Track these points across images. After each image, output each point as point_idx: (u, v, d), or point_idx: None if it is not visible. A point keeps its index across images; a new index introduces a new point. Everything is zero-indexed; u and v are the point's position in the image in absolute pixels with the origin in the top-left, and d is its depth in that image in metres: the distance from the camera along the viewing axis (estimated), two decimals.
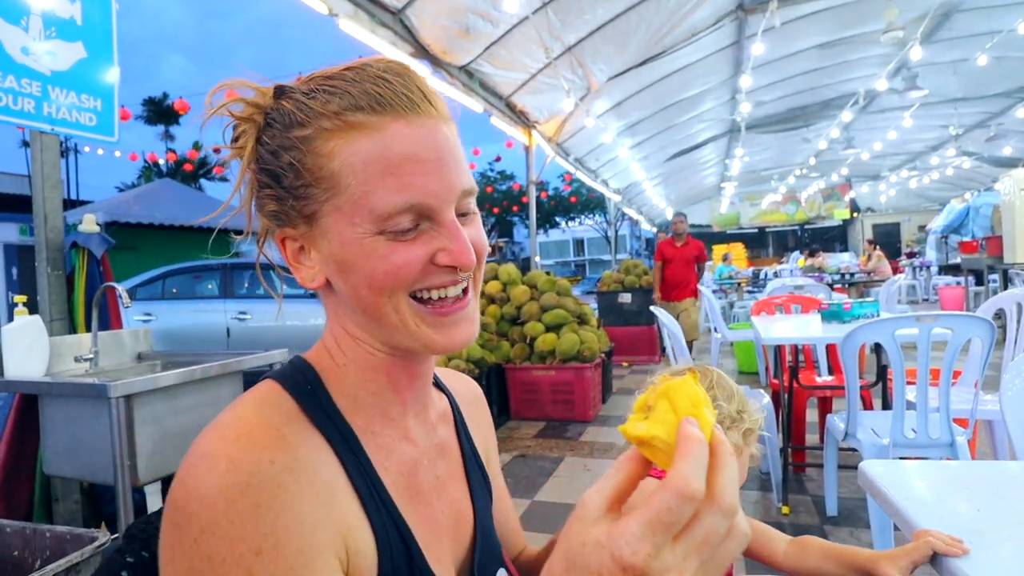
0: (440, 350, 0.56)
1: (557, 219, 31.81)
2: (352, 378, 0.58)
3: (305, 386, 0.55)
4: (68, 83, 2.37)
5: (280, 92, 0.56)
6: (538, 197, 8.35)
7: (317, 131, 0.52)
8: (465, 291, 0.57)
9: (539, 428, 4.40)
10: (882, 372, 2.77)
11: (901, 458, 2.10)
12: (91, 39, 2.46)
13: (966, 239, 9.66)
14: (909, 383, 2.22)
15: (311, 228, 0.55)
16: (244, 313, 5.91)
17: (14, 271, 10.41)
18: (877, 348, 2.93)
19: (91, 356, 2.21)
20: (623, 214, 16.78)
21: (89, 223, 2.41)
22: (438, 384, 0.72)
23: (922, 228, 17.08)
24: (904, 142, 13.91)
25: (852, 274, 8.63)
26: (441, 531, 0.60)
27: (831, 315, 2.82)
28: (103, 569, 0.53)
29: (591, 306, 5.76)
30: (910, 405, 2.21)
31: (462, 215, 0.56)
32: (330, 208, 0.53)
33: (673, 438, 0.37)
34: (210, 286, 6.39)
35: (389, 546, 0.52)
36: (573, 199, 28.75)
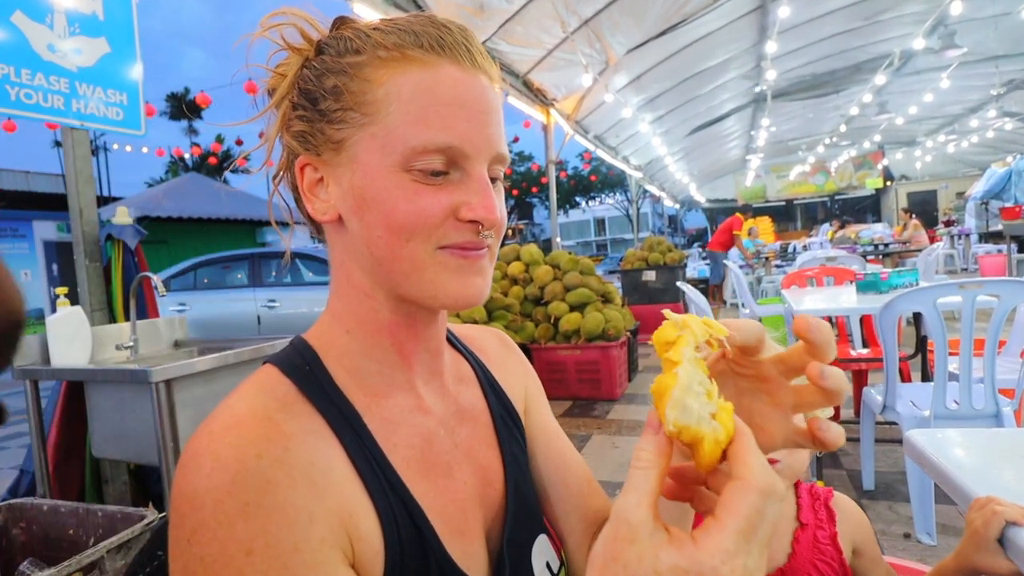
0: (451, 300, 0.52)
1: (577, 199, 31.53)
2: (355, 346, 0.55)
3: (303, 367, 0.53)
4: (94, 78, 2.41)
5: (341, 22, 0.56)
6: (557, 177, 8.23)
7: (371, 58, 0.52)
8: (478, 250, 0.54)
9: (566, 407, 4.41)
10: (921, 343, 2.69)
11: None
12: (114, 34, 2.49)
13: (1008, 205, 9.26)
14: (951, 354, 2.15)
15: (337, 155, 0.53)
16: (273, 301, 6.03)
17: (54, 267, 10.78)
18: (916, 319, 2.85)
19: (131, 344, 2.28)
20: (645, 191, 16.53)
21: (122, 216, 2.47)
22: (456, 346, 0.69)
23: (960, 195, 16.43)
24: (941, 105, 13.37)
25: (886, 244, 8.37)
26: (465, 502, 0.57)
27: (868, 285, 2.74)
28: (154, 541, 0.54)
29: (615, 285, 5.72)
30: (952, 376, 2.15)
31: (491, 180, 0.54)
32: (364, 135, 0.51)
33: (728, 428, 0.35)
34: (240, 275, 6.53)
35: (396, 527, 0.49)
36: (593, 178, 28.42)
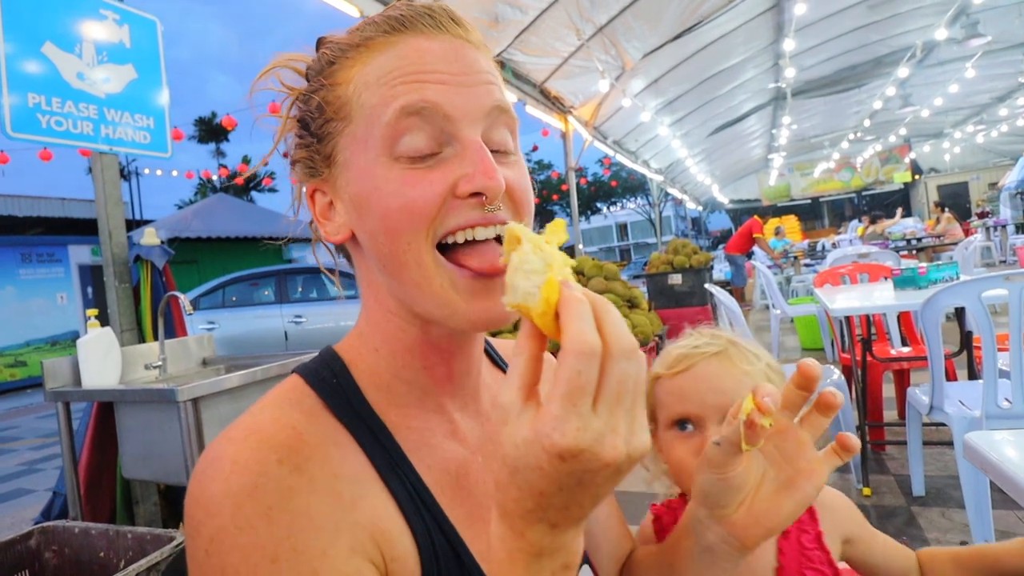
0: (467, 324, 0.47)
1: (598, 205, 31.42)
2: (384, 364, 0.52)
3: (331, 379, 0.50)
4: (122, 104, 2.47)
5: (320, 43, 0.55)
6: (577, 183, 8.18)
7: (341, 63, 0.50)
8: (500, 239, 0.47)
9: None
10: (966, 339, 2.57)
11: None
12: (140, 60, 2.55)
13: None
14: (999, 349, 2.04)
15: (333, 169, 0.51)
16: (300, 317, 6.10)
17: (89, 290, 11.10)
18: (958, 314, 2.73)
19: (160, 363, 2.30)
20: (666, 194, 16.39)
21: (150, 236, 2.51)
22: (497, 363, 0.65)
23: (993, 185, 15.91)
24: (967, 95, 13.01)
25: (919, 239, 8.11)
26: None
27: (905, 281, 2.64)
28: (175, 564, 0.51)
29: (640, 289, 5.64)
30: (1002, 374, 2.04)
31: (496, 152, 0.49)
32: (346, 138, 0.49)
33: (548, 296, 0.35)
34: (267, 292, 6.62)
35: (434, 553, 0.46)
36: (613, 183, 28.30)
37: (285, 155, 0.57)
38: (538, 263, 0.36)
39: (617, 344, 0.34)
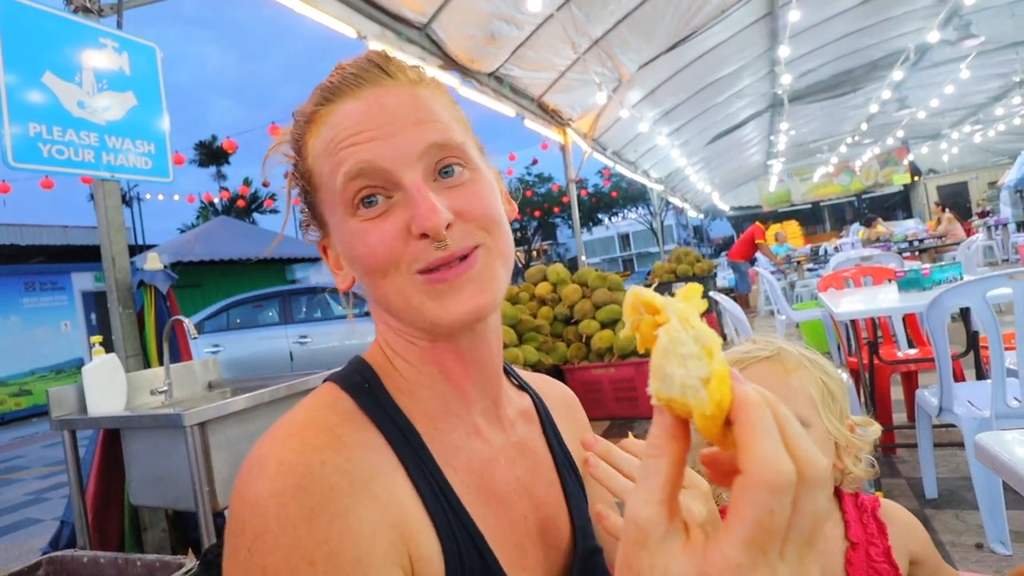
0: (444, 324, 0.50)
1: (599, 215, 31.52)
2: (405, 372, 0.56)
3: (363, 384, 0.54)
4: (123, 131, 2.49)
5: (293, 116, 0.59)
6: (578, 195, 8.21)
7: (303, 138, 0.55)
8: (464, 258, 0.51)
9: (604, 428, 4.31)
10: (973, 340, 2.55)
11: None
12: (140, 87, 2.57)
13: None
14: (1006, 348, 2.03)
15: (325, 228, 0.57)
16: (305, 337, 6.09)
17: (93, 317, 11.13)
18: (963, 315, 2.71)
19: (165, 388, 2.29)
20: (667, 203, 16.42)
21: (153, 261, 2.52)
22: (520, 384, 0.69)
23: (992, 184, 15.92)
24: (963, 95, 13.06)
25: (921, 240, 8.10)
26: (523, 537, 0.55)
27: (909, 283, 2.63)
28: None
29: None
30: (1010, 373, 2.03)
31: (444, 172, 0.52)
32: (322, 206, 0.55)
33: (721, 398, 0.29)
34: (271, 314, 6.63)
35: (458, 552, 0.48)
36: (614, 194, 28.39)
37: (302, 224, 0.62)
38: (694, 346, 0.30)
39: (812, 470, 0.28)
